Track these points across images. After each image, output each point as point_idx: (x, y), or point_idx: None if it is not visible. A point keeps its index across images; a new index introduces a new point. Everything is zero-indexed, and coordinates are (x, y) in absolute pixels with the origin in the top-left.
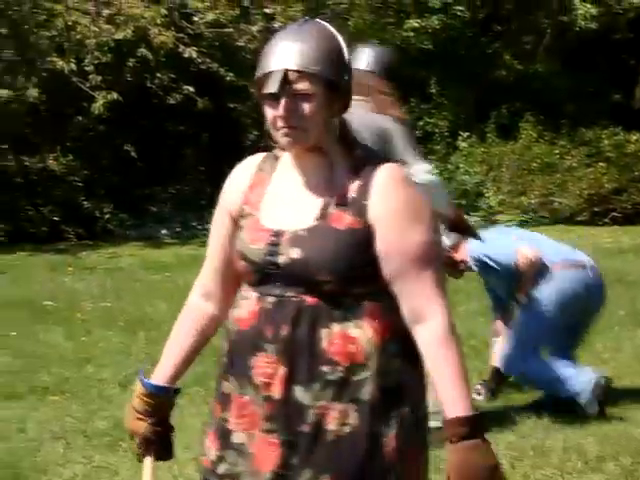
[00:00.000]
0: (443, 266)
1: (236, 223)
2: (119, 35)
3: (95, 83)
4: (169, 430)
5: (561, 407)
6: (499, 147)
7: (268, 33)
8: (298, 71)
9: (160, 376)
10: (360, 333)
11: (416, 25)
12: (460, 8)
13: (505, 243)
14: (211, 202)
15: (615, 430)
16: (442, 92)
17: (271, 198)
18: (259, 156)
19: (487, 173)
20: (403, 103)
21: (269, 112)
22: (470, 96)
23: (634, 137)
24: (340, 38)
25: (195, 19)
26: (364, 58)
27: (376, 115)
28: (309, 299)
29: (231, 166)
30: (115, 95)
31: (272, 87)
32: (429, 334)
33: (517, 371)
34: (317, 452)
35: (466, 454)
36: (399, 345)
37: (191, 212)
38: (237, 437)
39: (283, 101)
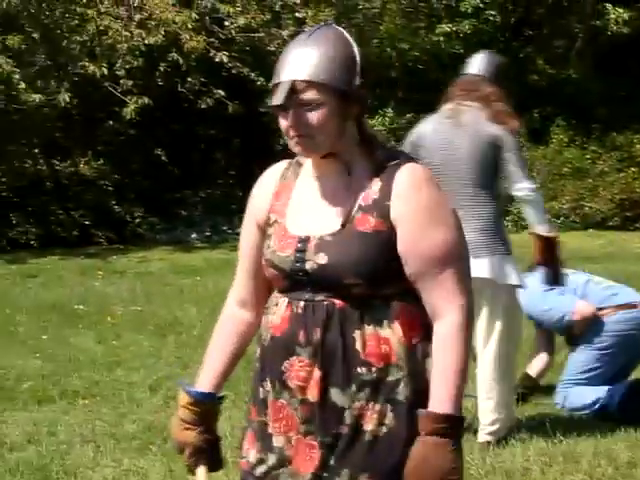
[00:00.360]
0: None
1: (263, 231)
2: (150, 40)
3: (126, 88)
4: (218, 439)
5: (590, 413)
6: (530, 151)
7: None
8: (306, 81)
9: (204, 383)
10: (391, 334)
11: (447, 30)
12: (492, 12)
13: (556, 303)
14: (241, 206)
15: None
16: None
17: (296, 204)
18: (283, 163)
19: None
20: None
21: (282, 122)
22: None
23: None
24: (352, 43)
25: (226, 24)
26: (476, 63)
27: (490, 123)
28: (339, 302)
29: (262, 170)
30: (146, 100)
31: (278, 99)
32: (440, 331)
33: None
34: (354, 452)
35: (426, 449)
36: (430, 345)
37: (221, 216)
38: (276, 440)
39: (292, 112)
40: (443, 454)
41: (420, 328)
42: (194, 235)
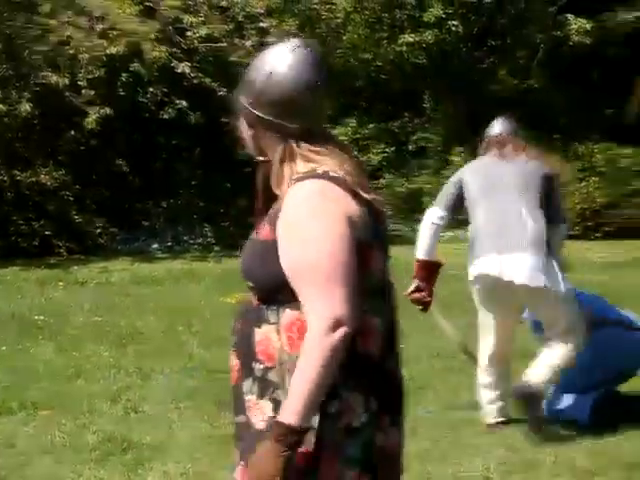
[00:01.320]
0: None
1: None
2: (112, 50)
3: (88, 98)
4: None
5: (552, 422)
6: None
7: (262, 48)
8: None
9: None
10: (278, 339)
11: (410, 40)
12: (454, 23)
13: None
14: (203, 216)
15: (605, 444)
16: (435, 107)
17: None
18: None
19: None
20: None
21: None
22: (464, 110)
23: (627, 152)
24: (269, 59)
25: (189, 34)
26: (498, 125)
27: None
28: (249, 300)
29: (223, 180)
30: (107, 110)
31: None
32: (304, 344)
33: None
34: (242, 441)
35: (260, 450)
36: None
37: (183, 226)
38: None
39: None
40: (268, 458)
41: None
42: (155, 245)
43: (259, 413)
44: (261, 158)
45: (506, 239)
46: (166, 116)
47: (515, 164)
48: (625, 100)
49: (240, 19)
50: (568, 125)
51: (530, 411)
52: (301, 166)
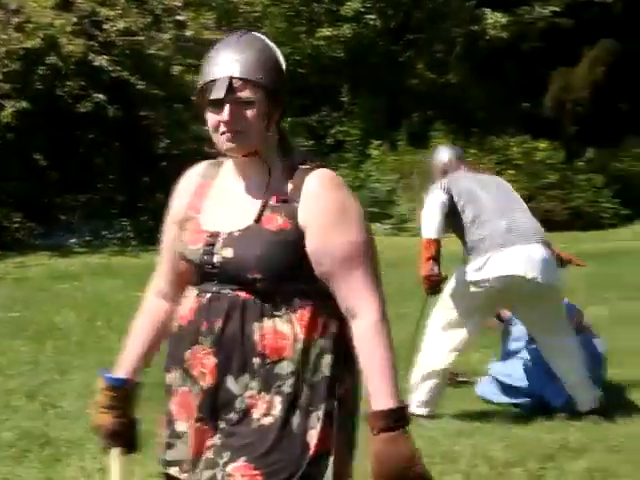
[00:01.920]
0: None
1: (180, 227)
2: (28, 43)
3: (4, 91)
4: (133, 423)
5: (471, 414)
6: (410, 155)
7: (179, 41)
8: (242, 79)
9: (121, 369)
10: (289, 329)
11: (328, 34)
12: (372, 17)
13: None
14: (121, 210)
15: (522, 436)
16: (354, 101)
17: (212, 202)
18: (203, 164)
19: (398, 181)
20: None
21: (212, 118)
22: (382, 104)
23: (542, 145)
24: (277, 50)
25: (106, 27)
26: (446, 150)
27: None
28: (243, 295)
29: (142, 174)
30: (24, 103)
31: (218, 93)
32: (359, 331)
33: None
34: (237, 437)
35: (384, 446)
36: (330, 342)
37: (101, 221)
38: (180, 426)
39: (227, 107)
40: (401, 445)
41: (321, 326)
42: (73, 240)
43: (263, 408)
44: (250, 151)
45: (520, 237)
46: (84, 110)
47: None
48: (541, 94)
49: (157, 12)
50: (485, 118)
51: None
52: (290, 153)
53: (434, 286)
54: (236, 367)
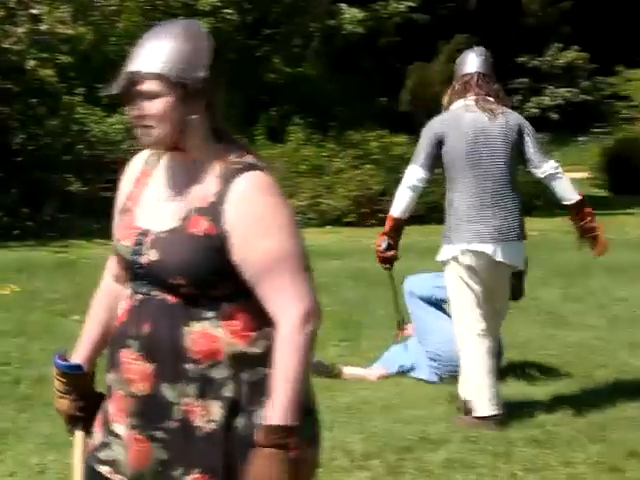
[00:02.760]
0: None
1: (119, 220)
2: None
3: None
4: (93, 406)
5: (329, 407)
6: (268, 149)
7: (34, 35)
8: (145, 73)
9: (76, 355)
10: (220, 333)
11: None
12: (229, 11)
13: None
14: None
15: (381, 428)
16: None
17: (149, 195)
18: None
19: None
20: None
21: (128, 112)
22: (239, 99)
23: (400, 139)
24: (204, 37)
25: None
26: (474, 62)
27: (513, 113)
28: (171, 298)
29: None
30: None
31: (115, 88)
32: (278, 337)
33: None
34: (187, 448)
35: (261, 461)
36: (263, 345)
37: None
38: (117, 428)
39: (135, 102)
40: (273, 466)
41: (252, 329)
42: None
43: (203, 415)
44: (166, 145)
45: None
46: None
47: (499, 120)
48: (398, 89)
49: (12, 5)
50: (343, 113)
51: None
52: (224, 153)
53: (383, 261)
54: (170, 374)
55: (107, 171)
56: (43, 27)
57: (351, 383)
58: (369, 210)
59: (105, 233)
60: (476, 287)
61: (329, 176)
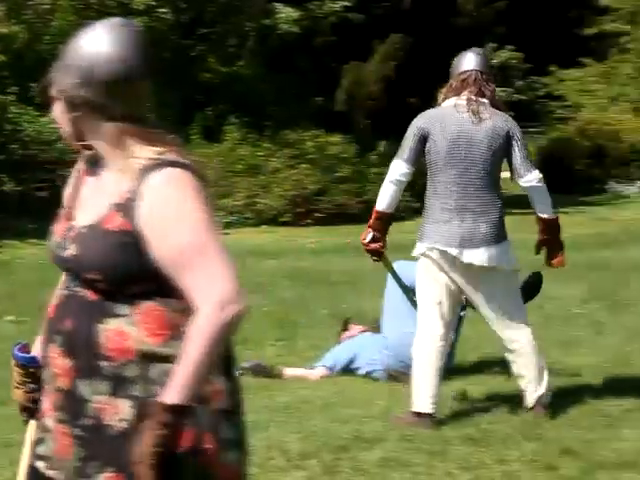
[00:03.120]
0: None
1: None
2: None
3: None
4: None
5: (266, 407)
6: (204, 149)
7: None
8: (46, 78)
9: (34, 348)
10: (134, 331)
11: None
12: (164, 10)
13: None
14: None
15: (317, 427)
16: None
17: (85, 192)
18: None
19: None
20: None
21: None
22: (175, 98)
23: (335, 139)
24: (87, 46)
25: None
26: (472, 60)
27: (502, 116)
28: (90, 294)
29: None
30: None
31: (41, 92)
32: (192, 325)
33: None
34: (100, 446)
35: (143, 433)
36: (178, 345)
37: None
38: (48, 421)
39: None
40: (145, 438)
41: (167, 328)
42: None
43: (115, 413)
44: (80, 143)
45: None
46: None
47: (487, 124)
48: (334, 88)
49: None
50: (278, 112)
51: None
52: (139, 150)
53: (370, 253)
54: (86, 370)
55: (41, 171)
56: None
57: (290, 383)
58: (305, 210)
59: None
60: (440, 286)
61: (265, 176)
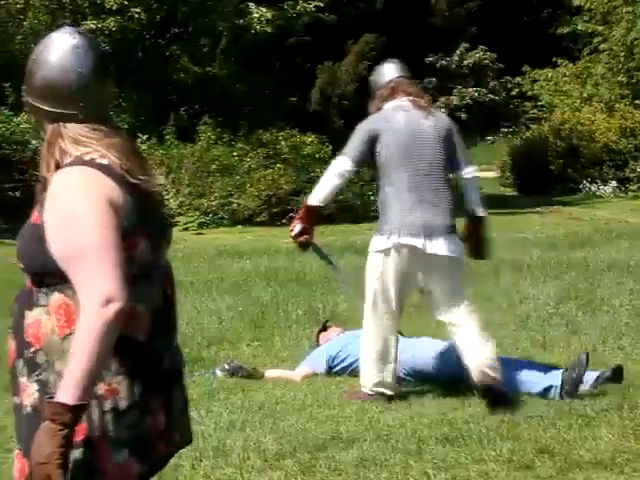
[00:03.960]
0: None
1: None
2: None
3: None
4: None
5: (241, 407)
6: (178, 149)
7: None
8: None
9: None
10: (48, 320)
11: (92, 26)
12: (137, 10)
13: None
14: None
15: (293, 427)
16: (120, 94)
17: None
18: None
19: (167, 176)
20: None
21: None
22: (148, 99)
23: (309, 139)
24: (38, 51)
25: None
26: (395, 68)
27: (443, 114)
28: (27, 283)
29: None
30: None
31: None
32: (77, 323)
33: None
34: (18, 423)
35: (39, 434)
36: None
37: None
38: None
39: None
40: (45, 439)
41: (74, 321)
42: None
43: (28, 395)
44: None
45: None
46: None
47: (432, 119)
48: (308, 88)
49: None
50: (252, 112)
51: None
52: (72, 149)
53: (298, 244)
54: (19, 352)
55: (15, 171)
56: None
57: (265, 383)
58: (280, 209)
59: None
60: (399, 278)
61: (240, 176)
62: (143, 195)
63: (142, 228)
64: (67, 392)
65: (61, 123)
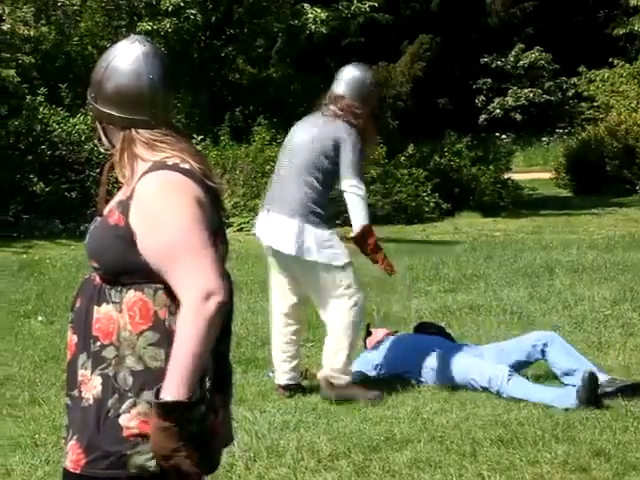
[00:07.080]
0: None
1: None
2: None
3: None
4: None
5: (295, 407)
6: (233, 150)
7: None
8: None
9: None
10: (120, 317)
11: (149, 28)
12: (193, 11)
13: None
14: None
15: (347, 428)
16: (176, 95)
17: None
18: None
19: (221, 176)
20: None
21: None
22: (204, 99)
23: None
24: (104, 58)
25: None
26: (342, 81)
27: (339, 126)
28: (96, 280)
29: None
30: None
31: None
32: (178, 319)
33: None
34: (75, 414)
35: (154, 433)
36: (159, 337)
37: None
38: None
39: None
40: (166, 436)
41: (151, 318)
42: None
43: (90, 388)
44: (111, 150)
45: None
46: None
47: (312, 130)
48: None
49: None
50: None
51: None
52: (146, 154)
53: (390, 268)
54: (82, 346)
55: (70, 171)
56: (5, 27)
57: (318, 383)
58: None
59: (69, 234)
60: (277, 276)
61: None
62: (217, 198)
63: (220, 230)
64: (173, 389)
65: (133, 129)
